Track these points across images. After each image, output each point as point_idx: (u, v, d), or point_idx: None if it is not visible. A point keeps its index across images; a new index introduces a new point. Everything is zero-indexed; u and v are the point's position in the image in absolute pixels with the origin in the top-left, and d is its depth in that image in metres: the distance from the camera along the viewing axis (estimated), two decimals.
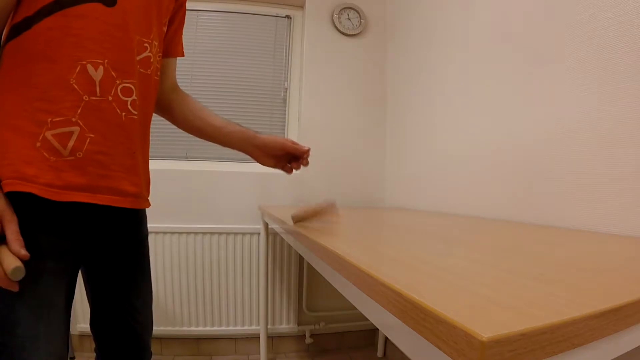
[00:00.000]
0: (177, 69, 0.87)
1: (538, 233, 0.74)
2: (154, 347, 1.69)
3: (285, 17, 1.97)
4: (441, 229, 0.75)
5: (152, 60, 0.68)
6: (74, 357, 1.62)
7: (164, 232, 1.65)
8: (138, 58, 0.64)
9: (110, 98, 0.59)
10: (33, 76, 0.54)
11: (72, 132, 0.55)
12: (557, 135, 0.92)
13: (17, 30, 0.54)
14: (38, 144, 0.52)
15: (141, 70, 0.66)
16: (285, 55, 1.96)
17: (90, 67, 0.56)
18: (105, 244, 0.70)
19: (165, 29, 0.74)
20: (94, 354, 0.77)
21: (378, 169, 1.95)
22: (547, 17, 0.95)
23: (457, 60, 1.35)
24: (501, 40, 1.12)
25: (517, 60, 1.05)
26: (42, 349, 0.53)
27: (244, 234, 1.72)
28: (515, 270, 0.37)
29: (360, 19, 1.93)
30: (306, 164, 0.90)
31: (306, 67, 1.87)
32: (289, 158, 0.91)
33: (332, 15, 1.90)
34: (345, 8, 1.91)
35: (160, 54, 0.73)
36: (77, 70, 0.55)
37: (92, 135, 0.56)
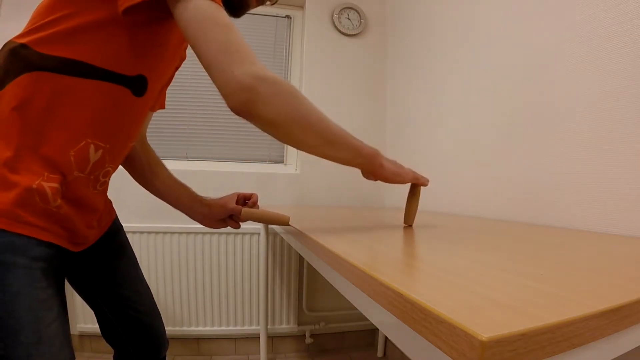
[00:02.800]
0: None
1: (538, 233, 0.74)
2: None
3: (285, 17, 1.97)
4: (441, 229, 0.75)
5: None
6: (73, 358, 1.61)
7: (164, 232, 1.65)
8: (130, 144, 0.68)
9: (92, 177, 0.61)
10: (44, 127, 0.53)
11: (55, 188, 0.55)
12: (556, 135, 0.92)
13: (58, 69, 0.52)
14: (34, 186, 0.53)
15: (130, 145, 0.69)
16: (285, 55, 1.96)
17: (92, 148, 0.58)
18: (78, 267, 0.73)
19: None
20: (94, 354, 0.78)
21: None
22: (546, 18, 0.95)
23: (457, 60, 1.35)
24: (500, 40, 1.12)
25: (517, 60, 1.05)
26: (47, 354, 0.52)
27: (244, 234, 1.72)
28: (515, 270, 0.37)
29: (360, 18, 1.93)
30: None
31: (306, 67, 1.87)
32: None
33: (332, 15, 1.90)
34: (345, 8, 1.91)
35: None
36: (80, 145, 0.56)
37: (64, 199, 0.58)
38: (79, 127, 0.56)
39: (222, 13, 0.48)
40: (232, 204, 0.88)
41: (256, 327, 1.73)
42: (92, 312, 0.77)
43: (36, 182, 0.53)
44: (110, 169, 0.65)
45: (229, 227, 0.89)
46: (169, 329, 1.66)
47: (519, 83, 1.05)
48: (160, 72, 0.64)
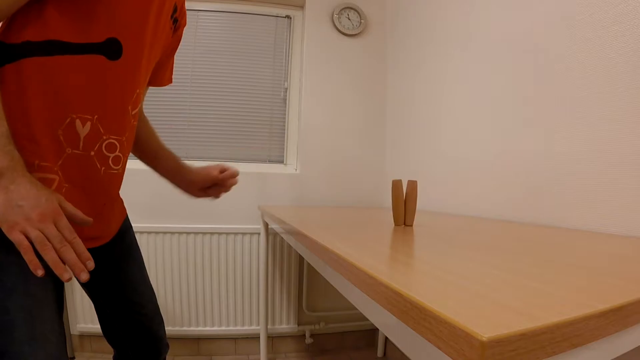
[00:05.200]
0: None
1: (538, 233, 0.74)
2: None
3: (285, 17, 1.97)
4: (441, 229, 0.75)
5: (140, 108, 0.69)
6: (73, 357, 1.62)
7: (164, 232, 1.65)
8: (133, 112, 0.65)
9: (92, 153, 0.59)
10: (27, 114, 0.53)
11: (53, 180, 0.55)
12: (556, 135, 0.92)
13: (31, 52, 0.52)
14: None
15: (133, 122, 0.67)
16: (285, 55, 1.96)
17: (78, 123, 0.56)
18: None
19: (155, 63, 0.73)
20: (94, 354, 0.78)
21: (378, 169, 1.95)
22: (546, 18, 0.95)
23: (457, 60, 1.35)
24: (501, 40, 1.12)
25: (517, 60, 1.05)
26: (41, 351, 0.52)
27: (244, 234, 1.72)
28: (515, 271, 0.37)
29: (360, 19, 1.93)
30: (227, 189, 0.93)
31: (306, 67, 1.87)
32: (214, 184, 0.92)
33: (332, 15, 1.90)
34: (345, 8, 1.91)
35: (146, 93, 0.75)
36: (66, 122, 0.55)
37: (67, 185, 0.57)
38: (59, 104, 0.55)
39: None
40: (216, 173, 0.89)
41: (256, 327, 1.73)
42: (92, 312, 0.77)
43: None
44: (112, 141, 0.62)
45: (213, 196, 0.91)
46: (169, 329, 1.66)
47: (518, 83, 1.05)
48: (134, 31, 0.59)
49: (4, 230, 0.46)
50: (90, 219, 0.55)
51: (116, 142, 0.63)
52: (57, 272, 0.47)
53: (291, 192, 1.83)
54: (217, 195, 0.91)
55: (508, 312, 0.24)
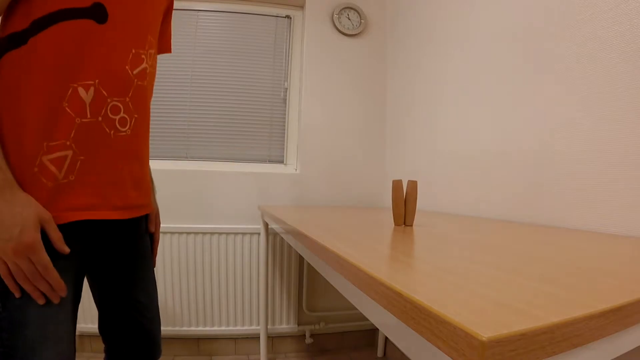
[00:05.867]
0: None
1: (538, 233, 0.74)
2: None
3: (285, 17, 1.97)
4: (441, 229, 0.75)
5: (147, 71, 0.68)
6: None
7: (164, 232, 1.65)
8: (135, 72, 0.65)
9: (100, 118, 0.60)
10: (28, 96, 0.54)
11: (66, 156, 0.56)
12: (556, 134, 0.92)
13: (14, 41, 0.54)
14: (36, 169, 0.53)
15: (138, 82, 0.66)
16: (285, 55, 1.96)
17: (81, 90, 0.57)
18: (105, 247, 0.72)
19: (159, 28, 0.74)
20: (94, 354, 0.77)
21: (378, 169, 1.95)
22: (546, 18, 0.95)
23: (457, 60, 1.35)
24: (501, 40, 1.12)
25: (517, 60, 1.05)
26: (52, 350, 0.53)
27: (244, 234, 1.72)
28: (515, 271, 0.37)
29: (360, 19, 1.93)
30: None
31: (306, 67, 1.87)
32: None
33: (332, 15, 1.90)
34: (345, 8, 1.91)
35: (156, 58, 0.74)
36: (69, 93, 0.56)
37: (82, 157, 0.58)
38: (59, 77, 0.55)
39: None
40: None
41: (256, 327, 1.73)
42: (92, 313, 0.77)
43: (37, 164, 0.53)
44: (116, 103, 0.62)
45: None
46: (169, 329, 1.66)
47: (518, 83, 1.05)
48: None
49: None
50: (66, 249, 0.55)
51: (119, 104, 0.63)
52: (33, 296, 0.52)
53: (291, 192, 1.83)
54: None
55: (508, 312, 0.24)
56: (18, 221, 0.48)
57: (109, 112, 0.61)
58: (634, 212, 0.73)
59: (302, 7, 1.96)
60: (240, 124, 1.90)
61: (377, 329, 1.89)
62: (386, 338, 1.83)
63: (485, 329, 0.21)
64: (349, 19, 1.92)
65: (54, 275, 0.52)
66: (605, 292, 0.30)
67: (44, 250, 0.51)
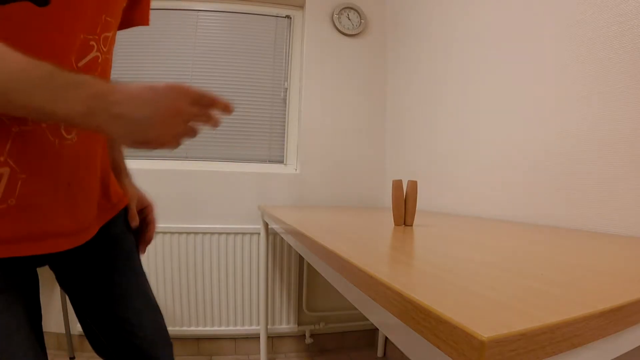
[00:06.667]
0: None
1: (538, 233, 0.74)
2: None
3: (285, 17, 1.97)
4: (441, 229, 0.75)
5: (100, 59, 0.55)
6: (74, 357, 1.62)
7: (164, 232, 1.65)
8: (81, 63, 0.51)
9: (43, 125, 0.47)
10: None
11: (1, 175, 0.44)
12: (556, 134, 0.92)
13: None
14: None
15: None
16: (285, 55, 1.96)
17: None
18: (66, 270, 0.63)
19: (123, 4, 0.60)
20: (95, 354, 0.72)
21: (378, 169, 1.95)
22: (547, 18, 0.95)
23: (457, 60, 1.35)
24: (501, 40, 1.12)
25: (517, 60, 1.05)
26: None
27: (244, 234, 1.72)
28: (515, 271, 0.37)
29: (360, 18, 1.93)
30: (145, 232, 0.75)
31: (306, 67, 1.87)
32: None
33: (332, 15, 1.90)
34: (345, 8, 1.91)
35: (113, 41, 0.59)
36: None
37: (23, 176, 0.46)
38: None
39: None
40: (140, 205, 0.74)
41: (256, 327, 1.73)
42: None
43: None
44: None
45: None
46: (169, 329, 1.66)
47: (518, 82, 1.05)
48: None
49: (151, 145, 0.43)
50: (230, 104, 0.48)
51: None
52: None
53: (291, 192, 1.83)
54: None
55: (508, 312, 0.24)
56: (152, 99, 0.42)
57: None
58: (634, 212, 0.73)
59: (302, 7, 1.96)
60: (240, 124, 1.90)
61: (377, 329, 1.89)
62: (386, 338, 1.83)
63: (485, 329, 0.21)
64: (349, 19, 1.92)
65: (218, 99, 0.47)
66: (605, 292, 0.30)
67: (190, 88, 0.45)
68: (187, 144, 1.83)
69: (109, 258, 0.64)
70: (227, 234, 1.71)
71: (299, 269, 1.79)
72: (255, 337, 1.76)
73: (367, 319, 1.61)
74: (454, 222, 0.93)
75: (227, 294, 1.71)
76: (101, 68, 0.55)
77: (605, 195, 0.79)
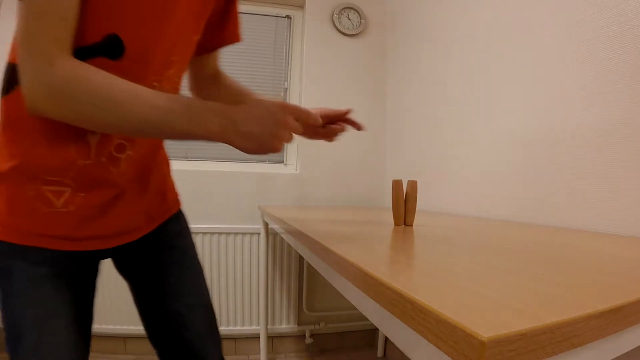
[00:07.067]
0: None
1: (538, 233, 0.74)
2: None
3: (285, 17, 1.97)
4: (441, 229, 0.75)
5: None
6: None
7: None
8: None
9: (103, 159, 0.56)
10: (34, 132, 0.51)
11: (63, 192, 0.54)
12: (556, 134, 0.92)
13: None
14: (32, 194, 0.52)
15: None
16: (285, 55, 1.96)
17: (90, 134, 0.53)
18: (122, 262, 0.70)
19: (197, 37, 0.66)
20: (95, 355, 0.75)
21: (378, 169, 1.95)
22: (546, 17, 0.95)
23: (457, 60, 1.35)
24: (501, 40, 1.12)
25: (517, 60, 1.05)
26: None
27: (244, 234, 1.72)
28: (515, 271, 0.37)
29: (360, 18, 1.93)
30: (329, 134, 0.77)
31: (306, 67, 1.87)
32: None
33: (332, 15, 1.90)
34: (345, 8, 1.91)
35: (179, 72, 0.65)
36: (75, 137, 0.53)
37: (82, 194, 0.55)
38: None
39: None
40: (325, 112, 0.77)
41: (256, 327, 1.73)
42: (94, 313, 0.73)
43: (33, 189, 0.52)
44: (121, 141, 0.58)
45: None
46: None
47: (518, 82, 1.05)
48: (138, 24, 0.52)
49: (267, 151, 0.50)
50: (319, 120, 0.54)
51: (125, 142, 0.58)
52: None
53: (291, 192, 1.83)
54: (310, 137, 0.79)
55: (508, 312, 0.24)
56: (268, 116, 0.50)
57: (113, 151, 0.57)
58: (634, 212, 0.73)
59: (302, 7, 1.96)
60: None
61: (377, 329, 1.89)
62: (386, 338, 1.83)
63: (485, 329, 0.21)
64: (349, 19, 1.92)
65: (311, 115, 0.53)
66: (605, 292, 0.30)
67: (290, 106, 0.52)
68: (187, 144, 1.83)
69: (164, 254, 0.70)
70: (227, 233, 1.71)
71: (299, 269, 1.79)
72: (255, 337, 1.76)
73: (367, 319, 1.60)
74: (454, 222, 0.93)
75: (227, 294, 1.71)
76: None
77: (605, 195, 0.79)
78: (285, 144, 0.52)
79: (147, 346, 0.73)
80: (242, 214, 1.76)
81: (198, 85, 0.84)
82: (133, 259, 0.69)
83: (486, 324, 0.22)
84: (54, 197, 0.53)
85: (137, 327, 1.64)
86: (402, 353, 1.70)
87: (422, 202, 1.54)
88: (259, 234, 1.74)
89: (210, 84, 0.84)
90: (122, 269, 0.72)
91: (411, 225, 0.79)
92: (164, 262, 0.70)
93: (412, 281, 0.32)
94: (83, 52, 0.49)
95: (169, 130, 0.47)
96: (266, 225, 1.62)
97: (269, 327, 1.74)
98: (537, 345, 0.22)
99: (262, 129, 0.49)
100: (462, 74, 1.32)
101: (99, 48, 0.50)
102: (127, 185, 0.62)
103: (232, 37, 0.78)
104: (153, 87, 0.56)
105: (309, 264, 1.81)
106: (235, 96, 0.84)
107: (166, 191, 0.73)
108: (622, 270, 0.40)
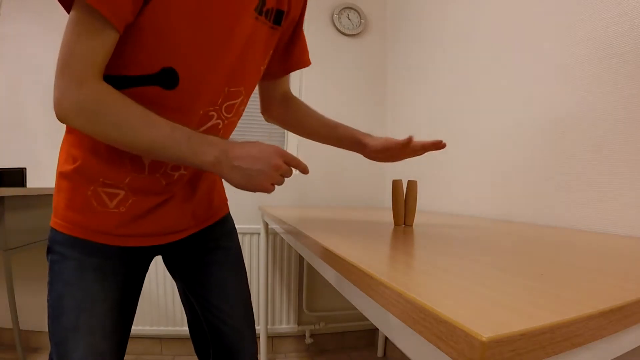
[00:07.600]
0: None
1: (538, 233, 0.74)
2: (154, 347, 1.69)
3: None
4: (441, 229, 0.75)
5: (221, 125, 0.65)
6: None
7: None
8: (201, 129, 0.63)
9: (157, 175, 0.62)
10: (93, 145, 0.58)
11: (117, 194, 0.60)
12: (557, 134, 0.92)
13: None
14: (89, 193, 0.59)
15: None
16: None
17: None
18: (170, 259, 0.76)
19: (263, 67, 0.70)
20: (134, 357, 0.78)
21: (378, 169, 1.95)
22: (546, 17, 0.95)
23: (457, 60, 1.35)
24: (501, 40, 1.12)
25: (517, 60, 1.05)
26: (84, 341, 0.56)
27: (244, 234, 1.72)
28: (515, 271, 0.37)
29: (360, 18, 1.93)
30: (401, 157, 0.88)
31: None
32: (399, 151, 0.88)
33: (332, 15, 1.90)
34: (345, 8, 1.91)
35: (243, 103, 0.69)
36: (129, 155, 0.59)
37: (134, 198, 0.61)
38: None
39: (79, 17, 0.46)
40: (392, 144, 0.88)
41: (256, 327, 1.73)
42: None
43: (90, 189, 0.58)
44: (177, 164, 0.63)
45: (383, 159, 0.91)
46: (170, 328, 1.66)
47: (518, 82, 1.05)
48: (193, 58, 0.55)
49: (256, 189, 0.56)
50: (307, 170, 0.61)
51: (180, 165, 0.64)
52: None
53: (291, 192, 1.83)
54: (387, 159, 0.91)
55: (508, 312, 0.24)
56: (264, 156, 0.54)
57: (168, 170, 0.63)
58: (634, 212, 0.73)
59: None
60: (240, 124, 1.90)
61: (377, 329, 1.89)
62: (386, 338, 1.83)
63: (485, 329, 0.21)
64: (349, 19, 1.92)
65: (300, 163, 0.59)
66: (605, 292, 0.30)
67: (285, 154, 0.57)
68: None
69: (209, 254, 0.75)
70: None
71: (299, 269, 1.79)
72: None
73: (367, 319, 1.60)
74: (453, 222, 0.93)
75: None
76: (223, 131, 0.67)
77: (605, 195, 0.79)
78: (275, 186, 0.56)
79: (183, 347, 0.76)
80: (242, 214, 1.76)
81: (266, 106, 0.93)
82: (180, 257, 0.74)
83: (486, 324, 0.22)
84: (108, 198, 0.59)
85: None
86: (402, 353, 1.70)
87: (422, 202, 1.54)
88: (259, 234, 1.74)
89: (278, 104, 0.92)
90: (171, 266, 0.77)
91: (411, 225, 0.79)
92: (209, 261, 0.74)
93: (412, 281, 0.32)
94: (140, 80, 0.54)
95: (170, 155, 0.52)
96: (266, 225, 1.62)
97: (269, 327, 1.74)
98: (537, 345, 0.22)
99: (253, 167, 0.53)
100: (462, 74, 1.32)
101: (155, 79, 0.55)
102: (177, 191, 0.67)
103: (299, 63, 0.84)
104: (208, 115, 0.62)
105: (309, 264, 1.81)
106: (301, 118, 0.91)
107: (214, 196, 0.78)
108: (622, 270, 0.40)
